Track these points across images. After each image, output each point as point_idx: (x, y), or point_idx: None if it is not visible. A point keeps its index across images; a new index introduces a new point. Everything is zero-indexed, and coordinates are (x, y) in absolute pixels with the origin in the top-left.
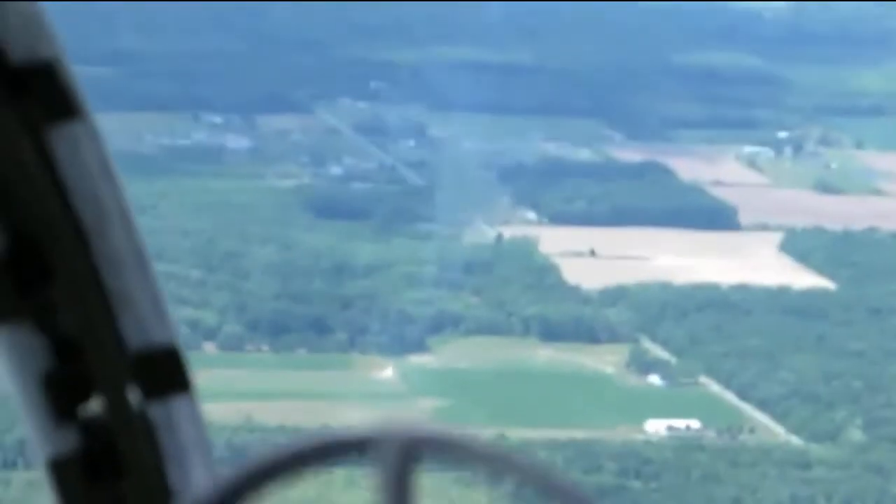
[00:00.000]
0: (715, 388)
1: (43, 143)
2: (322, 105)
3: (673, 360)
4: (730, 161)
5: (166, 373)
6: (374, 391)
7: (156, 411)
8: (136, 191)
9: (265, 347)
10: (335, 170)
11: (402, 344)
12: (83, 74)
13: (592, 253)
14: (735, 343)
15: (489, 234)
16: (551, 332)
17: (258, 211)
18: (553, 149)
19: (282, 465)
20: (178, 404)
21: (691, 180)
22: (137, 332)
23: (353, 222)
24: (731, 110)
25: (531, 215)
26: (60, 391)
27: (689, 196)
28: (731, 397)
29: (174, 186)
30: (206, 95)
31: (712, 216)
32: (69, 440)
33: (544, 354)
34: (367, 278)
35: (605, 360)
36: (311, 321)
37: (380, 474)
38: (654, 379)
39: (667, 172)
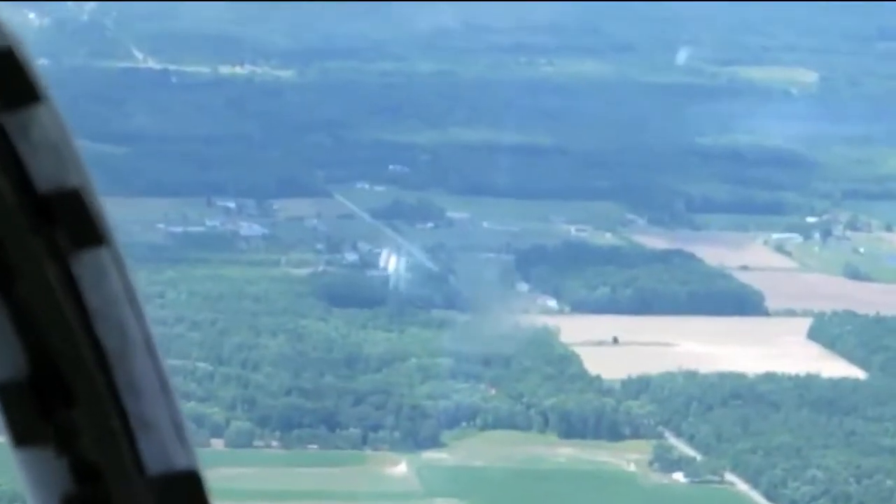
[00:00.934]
0: (742, 486)
1: (68, 268)
2: (339, 189)
3: (698, 457)
4: (757, 245)
5: (186, 498)
6: (388, 490)
7: None
8: (144, 280)
9: (275, 444)
10: (350, 256)
11: (417, 440)
12: (95, 151)
13: (615, 341)
14: (762, 439)
15: (508, 322)
16: (571, 427)
17: (271, 300)
18: (574, 232)
19: None
20: None
21: (717, 265)
22: (158, 457)
23: (367, 310)
24: (758, 193)
25: (552, 303)
26: None
27: (716, 281)
28: (758, 497)
29: (185, 275)
30: (220, 180)
31: (739, 302)
32: None
33: (564, 452)
34: (381, 371)
35: (628, 458)
36: (322, 416)
37: None
38: (679, 477)
39: (692, 257)
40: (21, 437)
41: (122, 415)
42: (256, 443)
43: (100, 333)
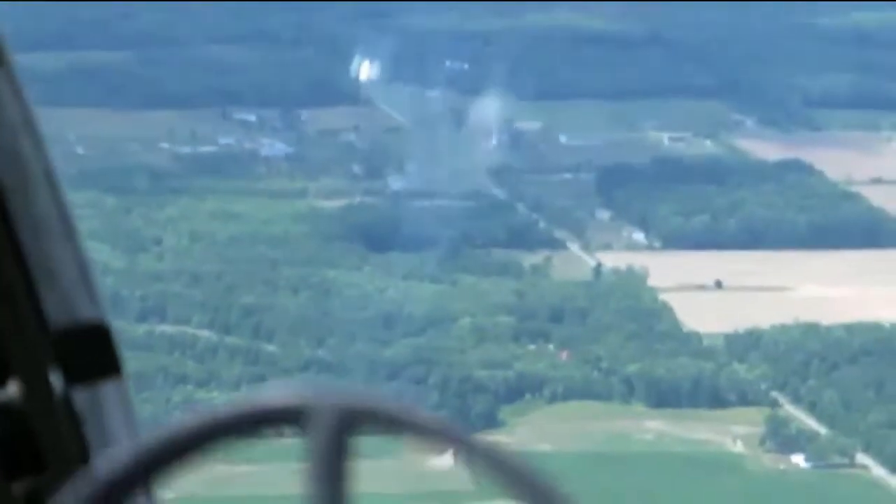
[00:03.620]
0: (878, 471)
1: None
2: (382, 93)
3: (822, 431)
4: (891, 148)
5: (93, 354)
6: (429, 489)
7: (81, 397)
8: (138, 219)
9: (286, 433)
10: (395, 183)
11: (467, 419)
12: (87, 60)
13: (718, 285)
14: None
15: (585, 264)
16: (662, 396)
17: (292, 244)
18: (668, 142)
19: (202, 436)
20: (105, 390)
21: (843, 179)
22: (61, 309)
23: (412, 254)
24: (890, 83)
25: (639, 236)
26: None
27: (842, 203)
28: None
29: (188, 211)
30: (239, 86)
31: (872, 229)
32: None
33: (653, 427)
34: (424, 334)
35: (734, 433)
36: None
37: (312, 447)
38: (799, 459)
39: (811, 170)
40: None
41: (21, 260)
42: None
43: None
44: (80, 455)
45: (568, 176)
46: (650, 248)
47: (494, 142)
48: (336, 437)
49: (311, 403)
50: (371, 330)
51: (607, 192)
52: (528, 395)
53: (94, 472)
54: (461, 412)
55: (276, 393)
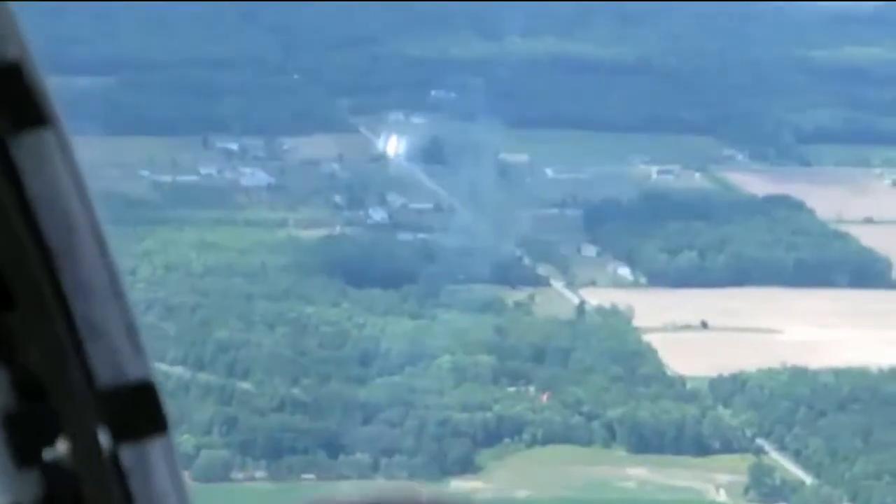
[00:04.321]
0: None
1: (7, 153)
2: (366, 121)
3: (808, 480)
4: (883, 187)
5: (140, 412)
6: None
7: (127, 455)
8: (113, 248)
9: (259, 475)
10: (377, 214)
11: (444, 464)
12: (67, 85)
13: (704, 325)
14: (890, 457)
15: (569, 301)
16: (644, 441)
17: (270, 277)
18: (657, 176)
19: None
20: (152, 447)
21: (834, 217)
22: (109, 367)
23: (392, 290)
24: (883, 119)
25: (625, 272)
26: (22, 432)
27: (831, 243)
28: None
29: (166, 241)
30: (221, 114)
31: (862, 269)
32: (31, 487)
33: (634, 474)
34: (401, 373)
35: (717, 482)
36: (322, 437)
37: None
38: None
39: (801, 207)
40: None
41: (69, 319)
42: (235, 474)
43: (43, 227)
44: None
45: (554, 211)
46: (636, 284)
47: (480, 174)
48: None
49: None
50: (348, 368)
51: (594, 228)
52: (506, 439)
53: None
54: (437, 457)
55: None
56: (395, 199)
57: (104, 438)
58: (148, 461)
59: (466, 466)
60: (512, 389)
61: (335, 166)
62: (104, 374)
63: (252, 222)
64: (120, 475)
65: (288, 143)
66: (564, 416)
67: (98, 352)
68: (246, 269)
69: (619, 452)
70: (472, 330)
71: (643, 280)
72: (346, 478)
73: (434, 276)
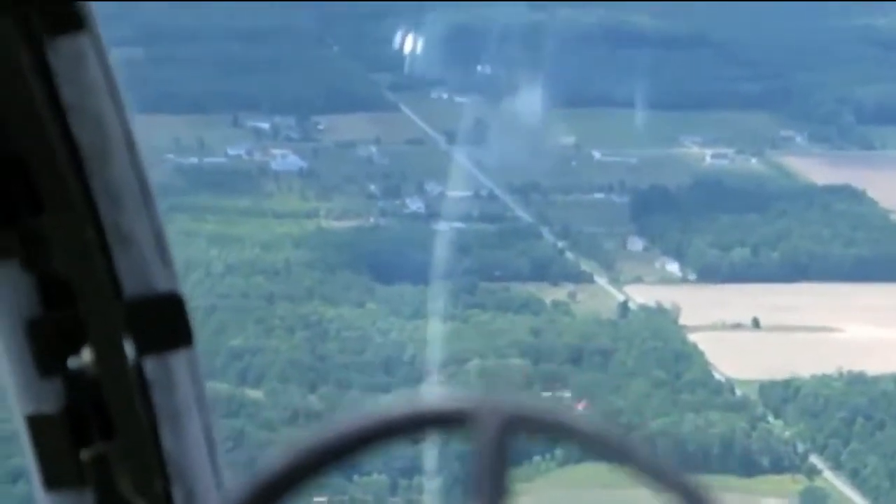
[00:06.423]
0: None
1: (43, 56)
2: (408, 99)
3: None
4: None
5: (166, 324)
6: None
7: (151, 366)
8: None
9: None
10: (413, 203)
11: (465, 486)
12: None
13: (755, 324)
14: None
15: (612, 299)
16: (688, 459)
17: (294, 275)
18: (710, 160)
19: (367, 438)
20: (176, 360)
21: None
22: (136, 277)
23: (423, 286)
24: None
25: (672, 267)
26: (47, 340)
27: (894, 235)
28: None
29: (185, 233)
30: (254, 90)
31: None
32: (54, 395)
33: None
34: (424, 380)
35: None
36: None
37: (475, 451)
38: None
39: (862, 198)
40: None
41: (98, 227)
42: None
43: (75, 131)
44: (149, 424)
45: (600, 196)
46: (684, 280)
47: (524, 157)
48: (499, 441)
49: (476, 408)
50: (371, 374)
51: (641, 218)
52: (536, 456)
53: (256, 472)
54: (460, 477)
55: (439, 398)
56: (433, 188)
57: (129, 349)
58: (171, 373)
59: None
60: (546, 395)
61: (372, 149)
62: (131, 284)
63: (280, 213)
64: (143, 385)
65: (323, 122)
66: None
67: (126, 261)
68: (269, 265)
69: None
70: (507, 331)
71: (692, 275)
72: (361, 501)
73: (468, 272)
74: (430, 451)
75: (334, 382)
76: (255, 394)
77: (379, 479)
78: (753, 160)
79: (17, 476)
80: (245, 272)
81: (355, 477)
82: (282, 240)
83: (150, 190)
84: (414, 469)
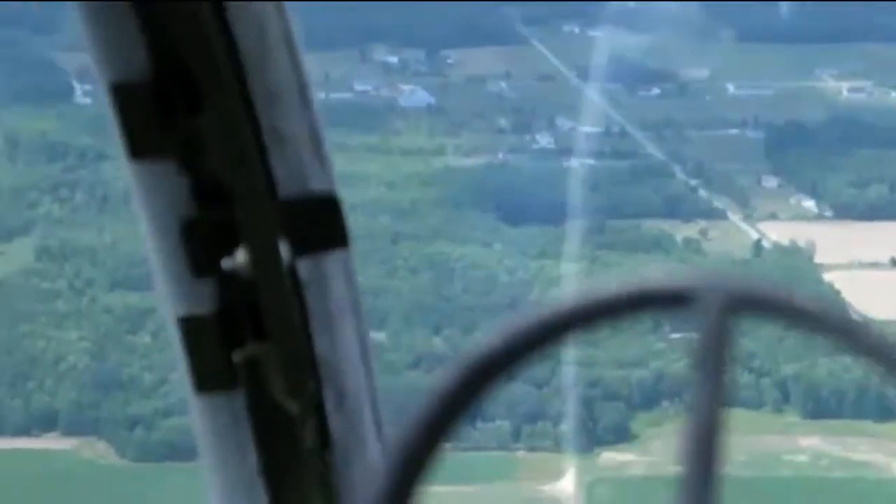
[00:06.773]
0: None
1: None
2: (540, 32)
3: None
4: None
5: (322, 225)
6: None
7: (306, 267)
8: None
9: None
10: (543, 139)
11: (593, 432)
12: None
13: (893, 263)
14: None
15: (745, 237)
16: (821, 405)
17: (419, 213)
18: (847, 94)
19: (585, 316)
20: (331, 261)
21: None
22: (292, 178)
23: (552, 227)
24: None
25: (809, 204)
26: (202, 240)
27: None
28: None
29: None
30: (382, 23)
31: None
32: (207, 296)
33: (808, 445)
34: None
35: None
36: None
37: (698, 329)
38: None
39: None
40: (138, 148)
41: (255, 127)
42: None
43: (235, 30)
44: (302, 326)
45: (734, 132)
46: (820, 217)
47: (657, 91)
48: (722, 320)
49: (698, 286)
50: (495, 317)
51: (775, 154)
52: (665, 402)
53: (470, 351)
54: (586, 423)
55: (659, 276)
56: (563, 123)
57: (283, 250)
58: (326, 274)
59: (620, 434)
60: (677, 338)
61: (502, 84)
62: (287, 185)
63: (407, 150)
64: (297, 288)
65: (453, 56)
66: (732, 372)
67: (283, 161)
68: (394, 205)
69: (792, 418)
70: (634, 270)
71: (828, 213)
72: (484, 448)
73: (599, 210)
74: (555, 396)
75: (459, 324)
76: (377, 336)
77: (503, 424)
78: (893, 94)
79: (134, 423)
80: (371, 211)
81: (478, 423)
82: (409, 179)
83: (308, 91)
84: (537, 415)
